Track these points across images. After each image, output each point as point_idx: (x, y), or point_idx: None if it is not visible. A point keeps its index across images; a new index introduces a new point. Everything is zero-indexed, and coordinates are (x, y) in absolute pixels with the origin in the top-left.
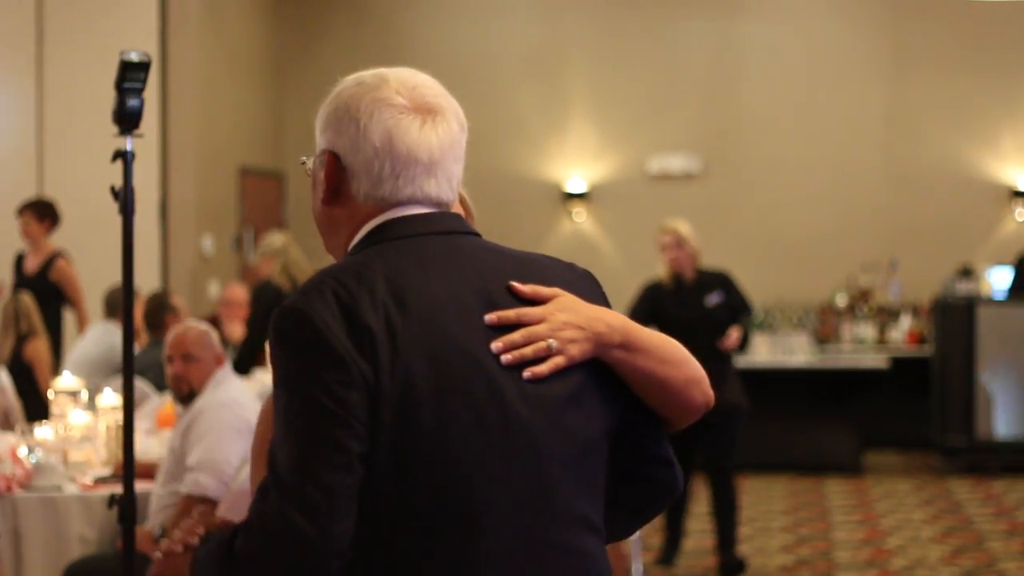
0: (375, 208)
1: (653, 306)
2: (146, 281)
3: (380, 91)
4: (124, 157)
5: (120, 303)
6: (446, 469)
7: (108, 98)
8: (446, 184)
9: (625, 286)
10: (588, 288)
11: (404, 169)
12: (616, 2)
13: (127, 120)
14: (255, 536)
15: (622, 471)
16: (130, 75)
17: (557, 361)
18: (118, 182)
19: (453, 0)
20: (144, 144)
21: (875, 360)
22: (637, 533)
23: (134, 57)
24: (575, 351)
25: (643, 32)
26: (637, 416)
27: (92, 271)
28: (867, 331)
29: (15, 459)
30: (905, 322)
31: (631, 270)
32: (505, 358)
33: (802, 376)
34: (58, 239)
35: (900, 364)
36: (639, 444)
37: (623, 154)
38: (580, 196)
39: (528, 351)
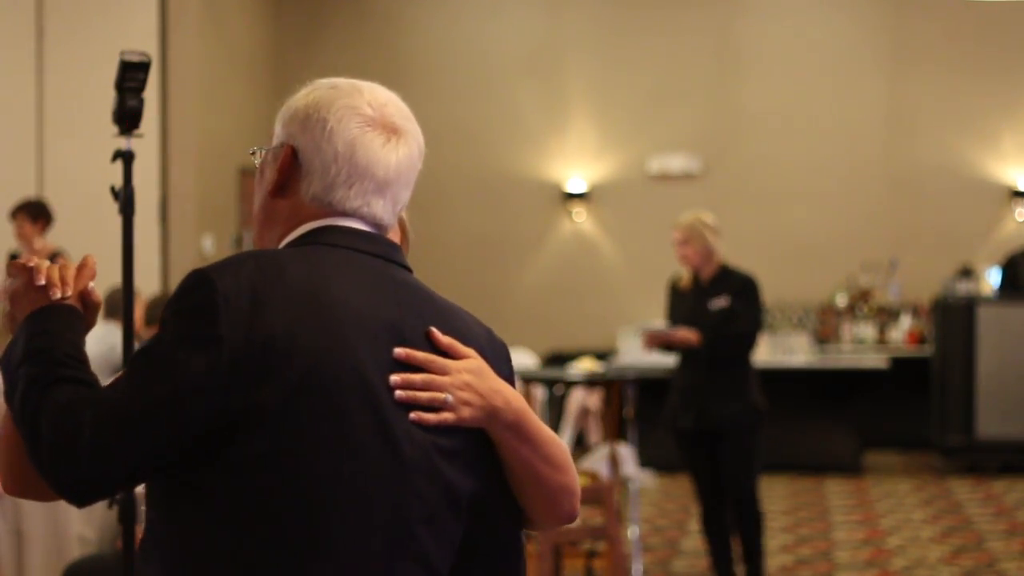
0: (318, 211)
1: (669, 305)
2: (146, 281)
3: (353, 99)
4: (124, 157)
5: (120, 304)
6: (304, 483)
7: (108, 98)
8: (391, 207)
9: (625, 286)
10: (499, 358)
11: (359, 181)
12: (616, 1)
13: (127, 120)
14: (48, 416)
15: (475, 548)
16: (130, 75)
17: (446, 417)
18: (118, 182)
19: (453, 0)
20: (144, 144)
21: (875, 360)
22: (637, 532)
23: (134, 57)
24: (466, 414)
25: (643, 31)
26: (505, 499)
27: None
28: (867, 331)
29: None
30: (905, 322)
31: (631, 270)
32: (399, 394)
33: (802, 376)
34: (58, 239)
35: (900, 364)
36: (498, 526)
37: (623, 154)
38: (580, 196)
39: (423, 396)
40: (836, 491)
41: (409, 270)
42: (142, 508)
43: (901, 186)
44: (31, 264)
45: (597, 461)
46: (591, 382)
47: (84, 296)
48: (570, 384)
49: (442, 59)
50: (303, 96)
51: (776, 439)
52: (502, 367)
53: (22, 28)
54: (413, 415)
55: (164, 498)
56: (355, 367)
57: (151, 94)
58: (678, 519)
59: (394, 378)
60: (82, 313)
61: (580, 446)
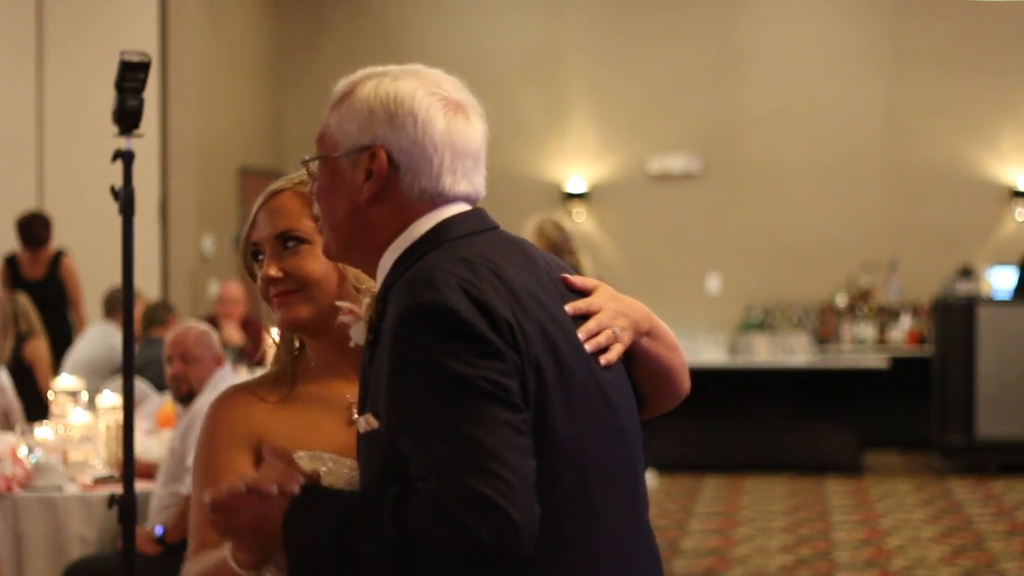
0: (427, 205)
1: None
2: (146, 282)
3: (426, 86)
4: (124, 157)
5: (119, 304)
6: (572, 465)
7: (108, 98)
8: (481, 179)
9: (626, 286)
10: None
11: (460, 163)
12: (616, 1)
13: (127, 120)
14: (432, 517)
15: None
16: (130, 75)
17: (619, 349)
18: (118, 182)
19: (453, 0)
20: (144, 144)
21: (875, 360)
22: None
23: (134, 57)
24: (627, 338)
25: (643, 31)
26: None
27: (92, 271)
28: (867, 331)
29: (15, 459)
30: (905, 322)
31: (631, 270)
32: (589, 347)
33: (802, 376)
34: (58, 239)
35: (900, 364)
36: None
37: (623, 154)
38: (580, 196)
39: (603, 339)
40: (836, 491)
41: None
42: (142, 508)
43: (901, 186)
44: (248, 488)
45: None
46: None
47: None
48: None
49: (442, 59)
50: (367, 93)
51: (776, 439)
52: None
53: (22, 28)
54: (603, 359)
55: None
56: (571, 340)
57: (151, 94)
58: (678, 519)
59: (581, 334)
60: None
61: None
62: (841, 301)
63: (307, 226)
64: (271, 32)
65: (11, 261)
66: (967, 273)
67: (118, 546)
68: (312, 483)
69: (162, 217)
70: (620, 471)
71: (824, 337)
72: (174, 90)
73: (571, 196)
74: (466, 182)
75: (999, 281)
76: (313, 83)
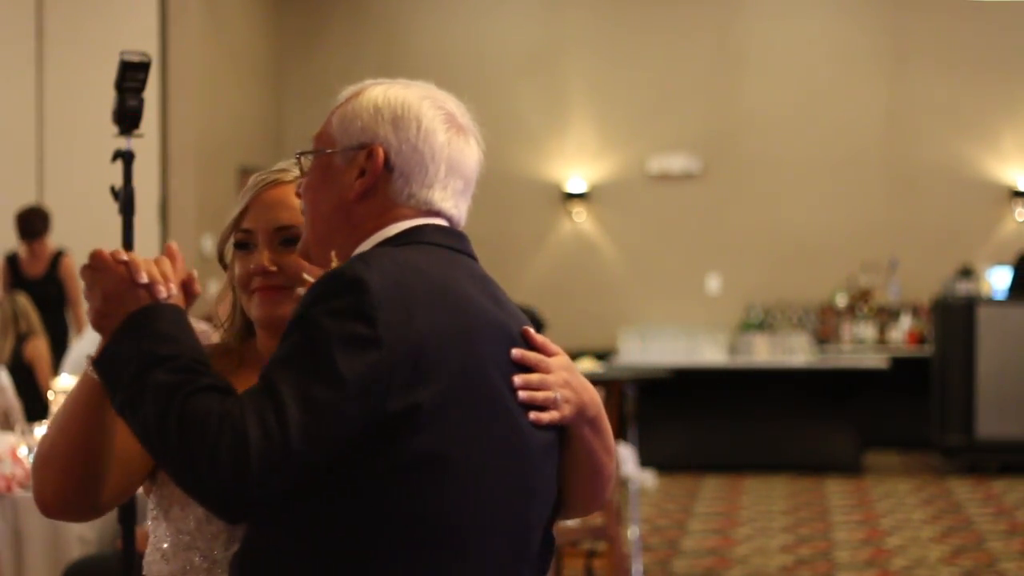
0: (412, 211)
1: None
2: None
3: (435, 99)
4: (124, 157)
5: None
6: (443, 485)
7: (108, 98)
8: (466, 207)
9: (625, 286)
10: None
11: (452, 180)
12: (616, 1)
13: (127, 120)
14: (205, 416)
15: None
16: (130, 75)
17: (554, 415)
18: (118, 182)
19: (452, 0)
20: (144, 144)
21: (875, 360)
22: (638, 532)
23: (134, 57)
24: (567, 412)
25: (643, 31)
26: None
27: None
28: (867, 331)
29: (15, 459)
30: (905, 322)
31: (631, 270)
32: (523, 395)
33: (802, 376)
34: (58, 239)
35: (900, 364)
36: (551, 517)
37: (623, 154)
38: (580, 196)
39: (539, 396)
40: (836, 491)
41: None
42: (142, 508)
43: (901, 186)
44: (125, 259)
45: None
46: (591, 382)
47: (184, 289)
48: None
49: (441, 59)
50: (375, 96)
51: (776, 439)
52: None
53: (22, 28)
54: (532, 415)
55: (294, 503)
56: (490, 368)
57: (151, 94)
58: (678, 519)
59: (518, 380)
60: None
61: None
62: (841, 301)
63: None
64: (271, 32)
65: (12, 260)
66: (967, 273)
67: (118, 546)
68: (180, 309)
69: (162, 217)
70: (508, 519)
71: (824, 337)
72: (174, 90)
73: (571, 196)
74: (453, 202)
75: (999, 281)
76: (313, 83)
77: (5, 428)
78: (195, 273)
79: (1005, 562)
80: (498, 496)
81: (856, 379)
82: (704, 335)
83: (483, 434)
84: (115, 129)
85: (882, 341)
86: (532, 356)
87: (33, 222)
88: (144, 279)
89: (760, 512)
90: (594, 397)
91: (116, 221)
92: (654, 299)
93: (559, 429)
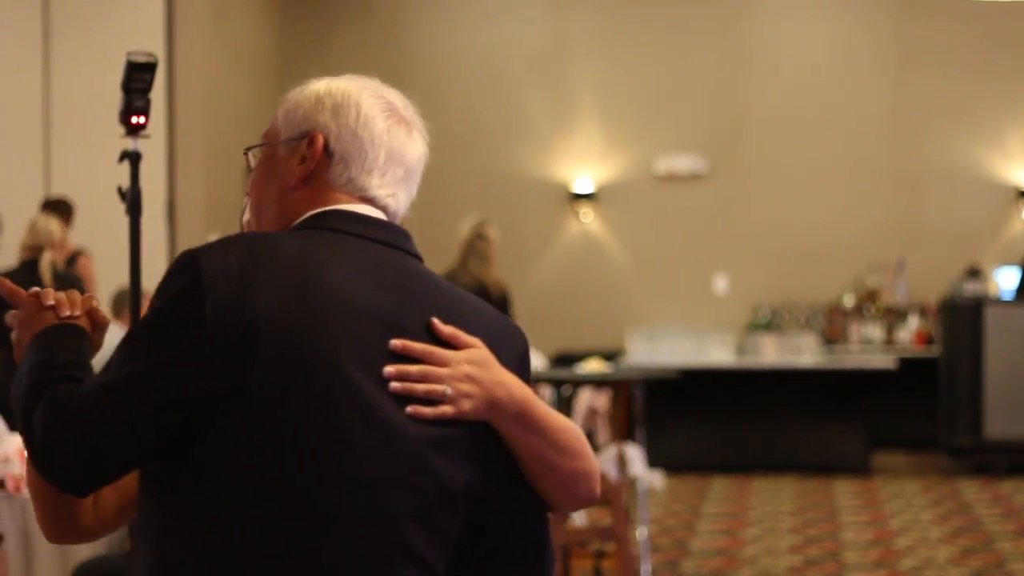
0: (346, 197)
1: None
2: (153, 281)
3: (375, 90)
4: (131, 158)
5: (127, 303)
6: (278, 471)
7: (115, 98)
8: (406, 198)
9: (632, 286)
10: (511, 350)
11: (391, 168)
12: (622, 1)
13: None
14: (46, 416)
15: (491, 543)
16: (136, 76)
17: (444, 410)
18: (125, 183)
19: (459, 0)
20: (151, 144)
21: (883, 360)
22: (646, 532)
23: (140, 58)
24: (466, 407)
25: (649, 32)
26: (519, 490)
27: (100, 272)
28: (875, 331)
29: (24, 460)
30: (913, 322)
31: (638, 270)
32: (394, 386)
33: (810, 376)
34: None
35: (908, 364)
36: (514, 518)
37: (630, 154)
38: (587, 197)
39: (420, 389)
40: (844, 492)
41: (419, 259)
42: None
43: (908, 186)
44: (36, 290)
45: (605, 462)
46: (599, 382)
47: (91, 316)
48: (578, 384)
49: (448, 60)
50: (317, 88)
51: (784, 440)
52: (512, 359)
53: (28, 28)
54: (410, 409)
55: (152, 486)
56: (340, 356)
57: (157, 95)
58: (686, 519)
59: (388, 369)
60: (89, 333)
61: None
62: (848, 301)
63: None
64: (277, 33)
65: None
66: (974, 273)
67: (127, 546)
68: (81, 328)
69: (169, 217)
70: (354, 505)
71: (832, 337)
72: (180, 90)
73: (578, 197)
74: (390, 190)
75: (1006, 281)
76: None
77: (13, 429)
78: (97, 302)
79: (1014, 563)
80: (345, 485)
81: (864, 379)
82: (712, 335)
83: (323, 421)
84: (122, 130)
85: (890, 341)
86: (417, 347)
87: (65, 204)
88: (49, 302)
89: (768, 512)
90: (515, 394)
91: (123, 221)
92: (661, 299)
93: (476, 425)
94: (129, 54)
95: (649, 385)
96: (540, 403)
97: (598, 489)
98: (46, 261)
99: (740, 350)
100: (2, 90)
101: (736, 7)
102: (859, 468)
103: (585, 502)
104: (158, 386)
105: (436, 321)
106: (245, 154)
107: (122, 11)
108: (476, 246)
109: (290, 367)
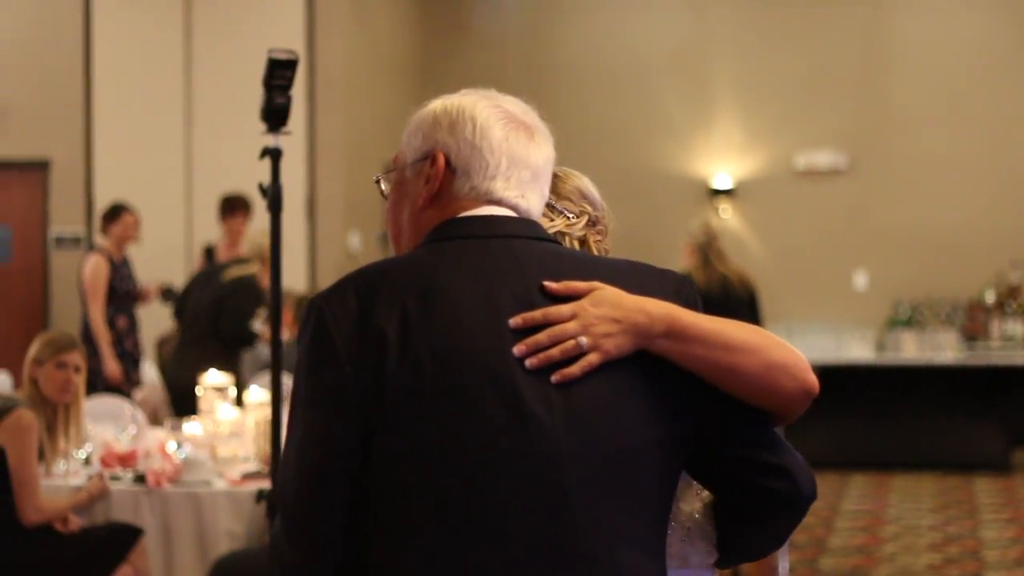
0: (472, 202)
1: None
2: (294, 278)
3: (492, 100)
4: (272, 154)
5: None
6: (447, 470)
7: (256, 95)
8: (539, 200)
9: (772, 282)
10: (666, 286)
11: (516, 171)
12: None
13: (275, 117)
14: (272, 555)
15: (726, 479)
16: (278, 73)
17: (590, 359)
18: (266, 179)
19: None
20: (291, 141)
21: None
22: None
23: (281, 55)
24: (610, 345)
25: (789, 26)
26: (729, 416)
27: None
28: (1016, 328)
29: (164, 455)
30: None
31: (778, 266)
32: (530, 362)
33: (950, 373)
34: (206, 236)
35: None
36: (736, 449)
37: (769, 150)
38: (726, 192)
39: (555, 352)
40: (984, 489)
41: (554, 242)
42: None
43: None
44: None
45: None
46: None
47: None
48: None
49: (587, 56)
50: (434, 107)
51: (924, 437)
52: (665, 295)
53: (171, 27)
54: (555, 376)
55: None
56: (474, 350)
57: (298, 92)
58: (825, 517)
59: (517, 348)
60: None
61: None
62: (990, 297)
63: None
64: (416, 30)
65: (209, 251)
66: None
67: (265, 540)
68: None
69: (309, 214)
70: (529, 492)
71: (972, 334)
72: (321, 87)
73: (717, 192)
74: (518, 191)
75: None
76: (457, 80)
77: (154, 424)
78: None
79: None
80: (498, 480)
81: (1005, 376)
82: (851, 331)
83: (462, 421)
84: (263, 126)
85: None
86: (536, 314)
87: (232, 202)
88: None
89: (907, 510)
90: (653, 311)
91: (264, 218)
92: (801, 295)
93: (644, 364)
94: (270, 51)
95: None
96: (690, 313)
97: (811, 378)
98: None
99: (880, 346)
100: (145, 88)
101: (877, 1)
102: (999, 466)
103: (801, 395)
104: (325, 437)
105: (547, 283)
106: (377, 182)
107: (263, 9)
108: (713, 246)
109: (426, 376)
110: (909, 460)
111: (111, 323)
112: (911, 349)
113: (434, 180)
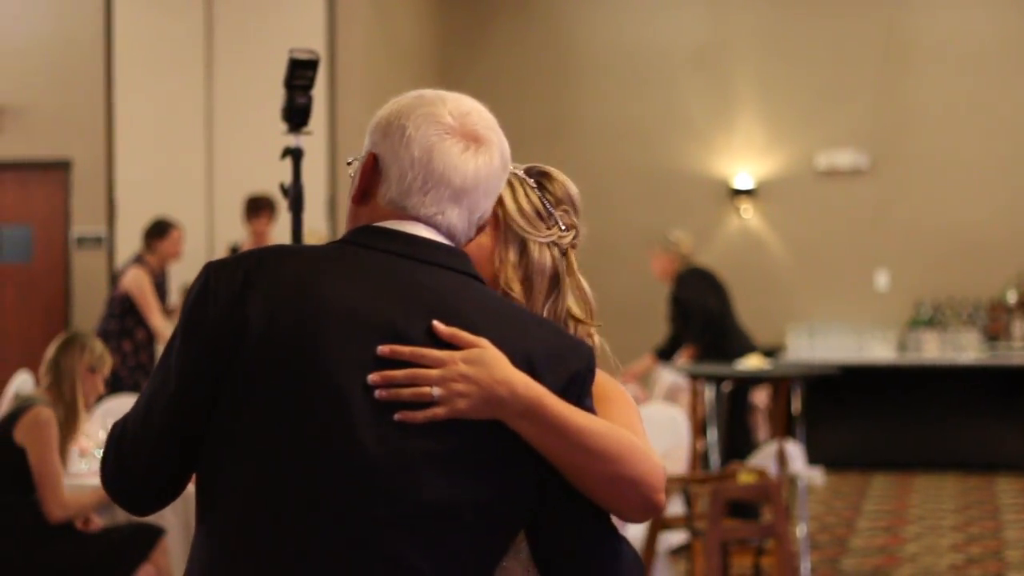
0: (390, 214)
1: None
2: None
3: (434, 107)
4: (293, 154)
5: None
6: (249, 467)
7: (277, 95)
8: (466, 216)
9: (793, 282)
10: (560, 369)
11: (434, 187)
12: None
13: (296, 117)
14: (110, 445)
15: (555, 561)
16: (299, 73)
17: (436, 412)
18: (287, 179)
19: None
20: (313, 141)
21: None
22: (806, 529)
23: (303, 55)
24: (462, 405)
25: (810, 26)
26: (568, 504)
27: None
28: None
29: None
30: None
31: (799, 266)
32: (379, 393)
33: (972, 373)
34: (228, 235)
35: None
36: (570, 535)
37: (791, 150)
38: (747, 192)
39: (406, 393)
40: (1006, 490)
41: (465, 273)
42: None
43: None
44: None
45: (765, 458)
46: (759, 379)
47: None
48: (738, 381)
49: (608, 56)
50: (388, 106)
51: (946, 437)
52: (557, 379)
53: (191, 26)
54: (397, 415)
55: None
56: (327, 363)
57: (319, 92)
58: (846, 516)
59: (371, 377)
60: None
61: (747, 443)
62: (1012, 298)
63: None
64: (437, 29)
65: (234, 252)
66: None
67: None
68: None
69: (330, 214)
70: (333, 515)
71: (994, 334)
72: (342, 87)
73: (738, 192)
74: (435, 208)
75: None
76: (479, 80)
77: None
78: None
79: None
80: (301, 490)
81: None
82: (873, 332)
83: (287, 424)
84: (284, 126)
85: None
86: (406, 350)
87: (257, 202)
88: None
89: (929, 510)
90: (519, 392)
91: (285, 218)
92: (822, 296)
93: (490, 435)
94: (291, 51)
95: (809, 382)
96: (561, 404)
97: (659, 497)
98: None
99: (901, 347)
100: (165, 88)
101: (898, 1)
102: (1022, 466)
103: (641, 510)
104: (181, 398)
105: (437, 323)
106: (348, 165)
107: (284, 8)
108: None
109: (271, 370)
110: (931, 460)
111: (130, 334)
112: (933, 349)
113: (358, 177)
